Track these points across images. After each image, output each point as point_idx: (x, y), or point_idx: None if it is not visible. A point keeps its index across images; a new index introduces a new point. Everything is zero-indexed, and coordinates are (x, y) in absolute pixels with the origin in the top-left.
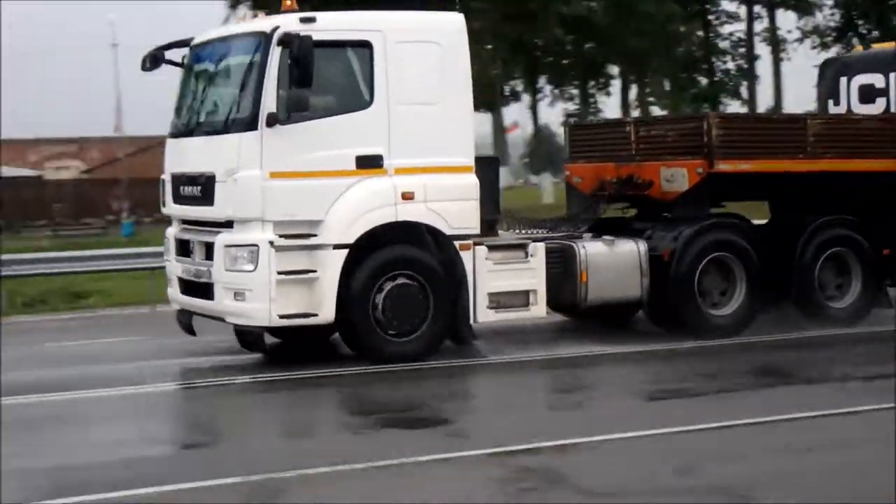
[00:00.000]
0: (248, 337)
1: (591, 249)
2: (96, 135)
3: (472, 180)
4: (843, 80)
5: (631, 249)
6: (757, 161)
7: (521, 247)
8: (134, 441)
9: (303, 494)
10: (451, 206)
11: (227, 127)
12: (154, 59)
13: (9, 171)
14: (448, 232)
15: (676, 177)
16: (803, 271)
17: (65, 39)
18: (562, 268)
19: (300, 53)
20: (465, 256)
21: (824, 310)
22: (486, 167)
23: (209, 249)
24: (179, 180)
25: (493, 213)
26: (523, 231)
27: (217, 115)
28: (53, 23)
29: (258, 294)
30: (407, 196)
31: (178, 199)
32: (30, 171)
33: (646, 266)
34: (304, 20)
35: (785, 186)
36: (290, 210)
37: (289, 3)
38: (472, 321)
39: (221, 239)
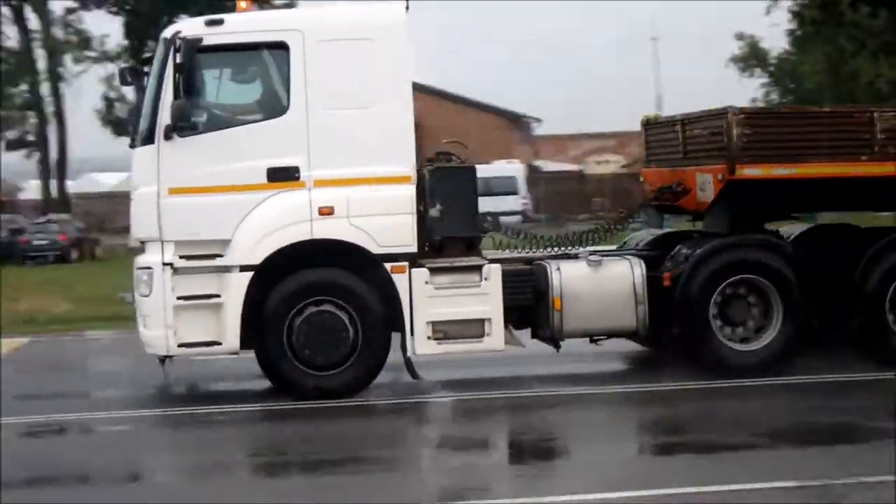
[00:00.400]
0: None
1: (568, 272)
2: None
3: (406, 192)
4: None
5: (622, 272)
6: (798, 165)
7: (475, 269)
8: None
9: None
10: (380, 222)
11: (133, 141)
12: (133, 73)
13: (550, 166)
14: (375, 251)
15: (706, 184)
16: (867, 303)
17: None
18: (531, 293)
19: (183, 59)
20: (399, 280)
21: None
22: (460, 177)
23: None
24: None
25: (470, 229)
26: (527, 250)
27: (137, 129)
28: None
29: (155, 321)
30: (325, 211)
31: None
32: (570, 166)
33: (642, 291)
34: (209, 23)
35: (840, 196)
36: (192, 229)
37: (243, 5)
38: (410, 354)
39: (135, 262)
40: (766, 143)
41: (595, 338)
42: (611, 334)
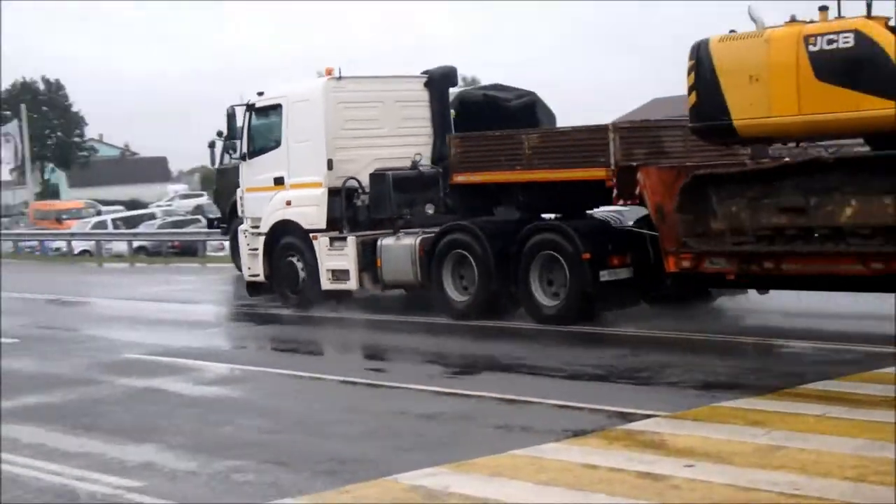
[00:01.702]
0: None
1: (384, 242)
2: None
3: (319, 192)
4: None
5: (409, 243)
6: (485, 174)
7: (343, 239)
8: None
9: None
10: (306, 210)
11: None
12: (231, 116)
13: None
14: (305, 227)
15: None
16: (520, 270)
17: None
18: (370, 255)
19: (245, 114)
20: (316, 244)
21: (539, 308)
22: (379, 181)
23: None
24: None
25: (389, 214)
26: (414, 230)
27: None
28: None
29: (242, 262)
30: (287, 203)
31: None
32: None
33: (416, 257)
34: (258, 94)
35: (514, 194)
36: (251, 212)
37: (329, 69)
38: (321, 288)
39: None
40: (468, 159)
41: (404, 286)
42: (407, 285)
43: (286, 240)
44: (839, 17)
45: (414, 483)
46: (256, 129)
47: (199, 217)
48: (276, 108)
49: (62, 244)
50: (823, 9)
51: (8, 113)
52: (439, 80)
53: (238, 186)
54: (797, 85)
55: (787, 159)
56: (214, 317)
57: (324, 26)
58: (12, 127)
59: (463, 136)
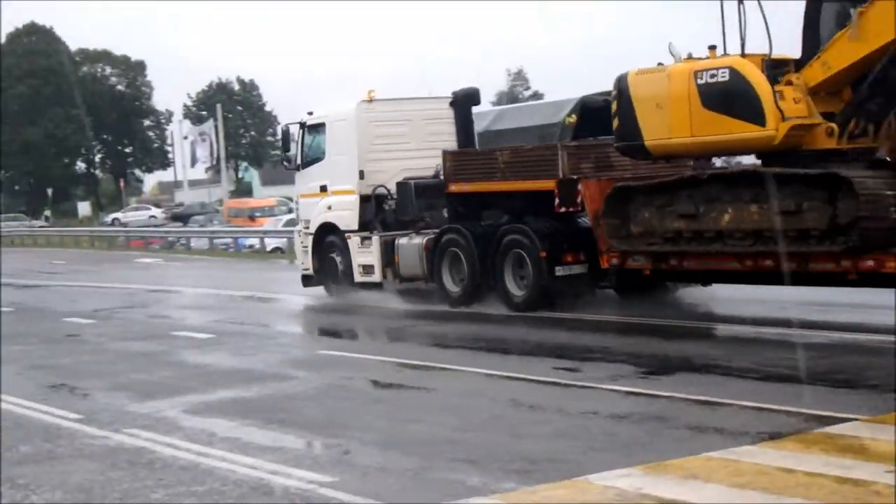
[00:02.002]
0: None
1: (400, 241)
2: None
3: (353, 199)
4: None
5: (418, 242)
6: (473, 184)
7: (369, 238)
8: None
9: None
10: (343, 214)
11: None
12: (285, 134)
13: None
14: (342, 228)
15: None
16: (496, 266)
17: None
18: (390, 253)
19: (300, 131)
20: (349, 243)
21: (511, 297)
22: (404, 189)
23: None
24: None
25: (412, 216)
26: (428, 231)
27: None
28: None
29: (298, 259)
30: (329, 207)
31: None
32: None
33: (423, 254)
34: (308, 113)
35: (497, 200)
36: (304, 215)
37: (370, 92)
38: (354, 280)
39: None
40: (463, 171)
41: (415, 279)
42: (418, 278)
43: (329, 239)
44: (724, 54)
45: (606, 484)
46: (307, 144)
47: None
48: (321, 126)
49: (255, 241)
50: (712, 47)
51: (204, 113)
52: (463, 100)
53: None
54: (689, 112)
55: (686, 174)
56: (404, 314)
57: None
58: (208, 126)
59: (454, 151)
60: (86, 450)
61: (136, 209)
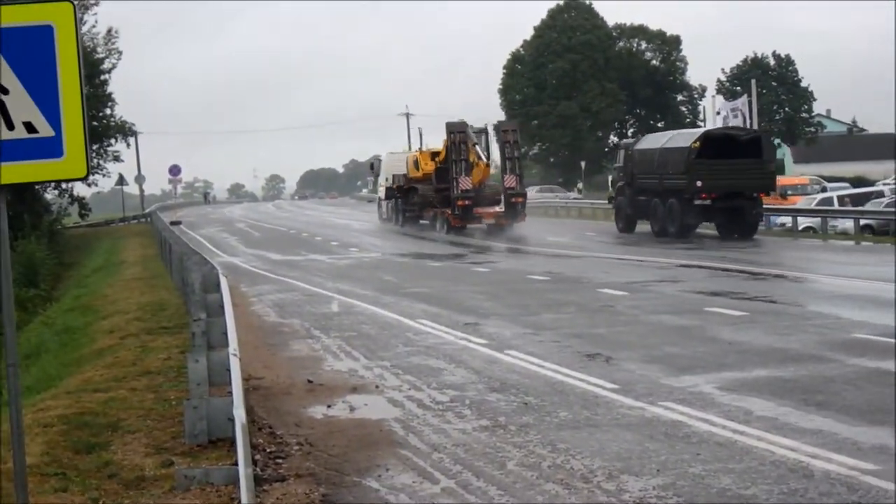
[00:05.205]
0: None
1: None
2: None
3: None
4: None
5: None
6: None
7: None
8: None
9: None
10: None
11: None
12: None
13: None
14: None
15: None
16: None
17: None
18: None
19: (371, 164)
20: None
21: None
22: None
23: None
24: None
25: None
26: None
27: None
28: None
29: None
30: None
31: None
32: None
33: None
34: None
35: None
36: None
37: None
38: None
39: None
40: None
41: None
42: None
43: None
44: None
45: None
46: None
47: None
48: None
49: (787, 219)
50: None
51: (738, 88)
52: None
53: None
54: None
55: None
56: None
57: None
58: (742, 102)
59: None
60: (623, 420)
61: None
